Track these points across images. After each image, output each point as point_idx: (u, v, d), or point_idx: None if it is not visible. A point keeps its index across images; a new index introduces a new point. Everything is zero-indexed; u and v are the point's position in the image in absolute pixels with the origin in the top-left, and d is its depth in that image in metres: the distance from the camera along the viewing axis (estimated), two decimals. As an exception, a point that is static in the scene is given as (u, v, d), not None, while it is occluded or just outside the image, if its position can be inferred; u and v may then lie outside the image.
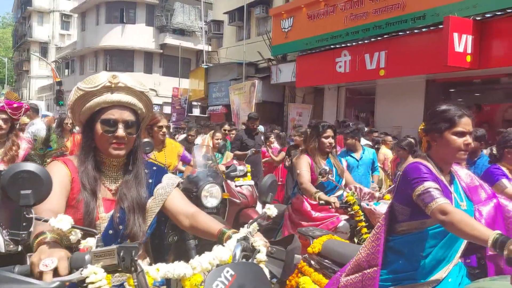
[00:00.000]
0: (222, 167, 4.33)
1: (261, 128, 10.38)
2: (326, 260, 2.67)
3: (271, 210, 1.50)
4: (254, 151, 6.45)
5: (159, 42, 28.26)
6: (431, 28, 8.89)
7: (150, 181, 1.66)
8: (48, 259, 1.06)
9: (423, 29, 9.15)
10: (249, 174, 5.29)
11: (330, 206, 3.25)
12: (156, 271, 1.19)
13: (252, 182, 5.35)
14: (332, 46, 11.52)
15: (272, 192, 1.56)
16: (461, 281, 1.97)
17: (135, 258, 1.09)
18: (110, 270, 1.10)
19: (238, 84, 15.34)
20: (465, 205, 1.97)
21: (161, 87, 27.41)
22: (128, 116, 1.54)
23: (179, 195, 1.71)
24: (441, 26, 8.10)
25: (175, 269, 1.23)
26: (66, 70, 35.46)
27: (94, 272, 1.07)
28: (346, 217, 3.44)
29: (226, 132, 8.67)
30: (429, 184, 1.81)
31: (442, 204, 1.74)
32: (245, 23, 16.96)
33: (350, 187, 3.57)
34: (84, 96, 1.51)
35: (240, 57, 16.42)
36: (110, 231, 1.54)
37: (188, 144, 6.69)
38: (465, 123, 1.91)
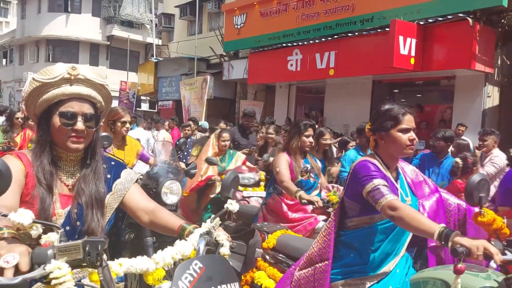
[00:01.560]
0: (182, 164, 4.23)
1: (205, 124, 10.32)
2: (281, 255, 2.71)
3: (233, 205, 1.50)
4: (249, 151, 5.96)
5: (106, 33, 27.24)
6: (379, 30, 9.27)
7: (109, 176, 1.62)
8: (9, 255, 1.01)
9: (371, 31, 9.52)
10: (262, 183, 4.84)
11: (313, 206, 3.18)
12: (119, 266, 1.16)
13: (264, 194, 4.66)
14: (284, 45, 11.69)
15: (234, 187, 1.57)
16: (407, 272, 2.10)
17: (101, 252, 1.06)
18: (74, 265, 1.07)
19: (189, 80, 15.16)
20: (410, 199, 2.08)
21: (108, 80, 25.81)
22: (87, 109, 1.49)
23: (138, 190, 1.67)
24: (387, 29, 8.46)
25: (138, 263, 1.21)
26: (4, 60, 33.26)
27: (58, 267, 1.02)
28: (324, 217, 3.43)
29: (186, 130, 8.47)
30: (378, 182, 1.90)
31: (391, 200, 1.83)
32: (197, 17, 16.77)
33: (328, 186, 3.54)
34: (41, 87, 1.44)
35: (191, 52, 16.22)
36: (67, 227, 1.48)
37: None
38: (408, 120, 2.02)
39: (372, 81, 10.80)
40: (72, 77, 1.45)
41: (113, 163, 1.68)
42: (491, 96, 8.92)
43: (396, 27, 8.08)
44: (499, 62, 8.85)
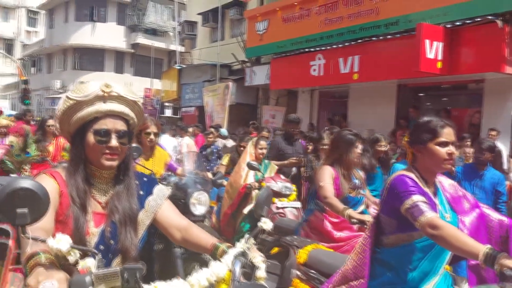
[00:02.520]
0: (209, 175, 4.20)
1: (224, 131, 10.29)
2: (312, 271, 2.63)
3: (267, 224, 1.47)
4: (297, 160, 5.53)
5: (130, 41, 27.77)
6: (404, 34, 9.10)
7: (141, 192, 1.61)
8: (48, 281, 1.01)
9: (396, 35, 9.36)
10: (294, 193, 4.68)
11: (365, 226, 2.83)
12: (155, 290, 1.14)
13: (299, 204, 4.54)
14: (306, 50, 11.62)
15: (268, 205, 1.54)
16: None
17: (140, 280, 1.05)
18: None
19: (212, 86, 15.26)
20: (450, 216, 2.00)
21: (133, 88, 26.59)
22: (120, 126, 1.50)
23: (170, 207, 1.66)
24: (413, 33, 8.30)
25: (173, 287, 1.19)
26: (33, 68, 34.28)
27: None
28: None
29: (209, 137, 8.42)
30: (417, 198, 1.84)
31: (431, 218, 1.76)
32: (219, 24, 16.89)
33: (376, 202, 3.30)
34: (75, 105, 1.46)
35: (213, 58, 16.33)
36: (101, 247, 1.47)
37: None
38: (448, 133, 1.95)
39: (397, 85, 10.62)
40: (106, 95, 1.46)
41: (145, 179, 1.68)
42: (522, 100, 8.63)
43: (422, 30, 7.92)
44: (530, 65, 8.55)
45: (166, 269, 3.08)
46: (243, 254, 1.34)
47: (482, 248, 1.60)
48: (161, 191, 1.66)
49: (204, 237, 1.54)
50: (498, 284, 1.54)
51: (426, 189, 1.99)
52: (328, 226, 3.26)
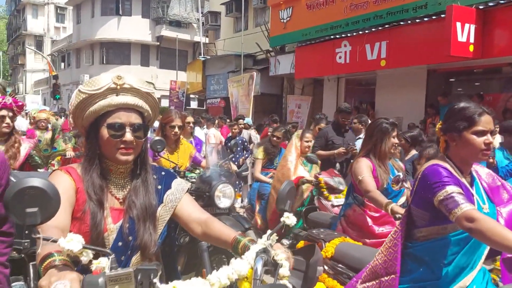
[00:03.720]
0: (234, 167, 4.12)
1: (249, 120, 10.21)
2: (340, 265, 2.55)
3: (290, 219, 1.41)
4: (346, 150, 5.16)
5: (155, 34, 28.04)
6: (433, 17, 8.77)
7: (159, 187, 1.56)
8: (60, 282, 0.98)
9: (425, 19, 9.02)
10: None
11: None
12: (172, 290, 1.10)
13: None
14: (332, 37, 11.39)
15: (291, 199, 1.47)
16: (486, 287, 1.90)
17: (154, 281, 1.01)
18: None
19: (236, 77, 15.22)
20: (487, 207, 1.88)
21: (158, 80, 27.20)
22: (135, 119, 1.45)
23: (190, 201, 1.61)
24: (443, 16, 7.98)
25: (192, 286, 1.14)
26: (62, 64, 35.18)
27: None
28: None
29: (234, 128, 8.35)
30: (451, 189, 1.73)
31: (467, 211, 1.66)
32: (242, 14, 16.79)
33: None
34: (87, 99, 1.41)
35: (237, 48, 16.26)
36: (120, 243, 1.44)
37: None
38: (486, 121, 1.82)
39: (427, 71, 10.27)
40: (118, 87, 1.41)
41: (163, 173, 1.63)
42: (562, 83, 8.20)
43: (453, 13, 7.59)
44: None
45: (193, 262, 3.08)
46: (265, 251, 1.27)
47: None
48: (180, 185, 1.61)
49: (225, 231, 1.48)
50: None
51: (462, 179, 1.87)
52: (369, 221, 3.12)
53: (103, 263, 1.08)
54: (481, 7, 7.92)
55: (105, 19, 27.79)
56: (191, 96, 22.06)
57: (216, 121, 10.60)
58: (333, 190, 4.20)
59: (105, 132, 1.43)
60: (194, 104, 22.62)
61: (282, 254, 1.29)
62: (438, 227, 1.86)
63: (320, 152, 5.35)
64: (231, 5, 18.02)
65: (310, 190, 4.48)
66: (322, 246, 2.65)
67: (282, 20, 13.14)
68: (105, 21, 27.76)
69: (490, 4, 7.89)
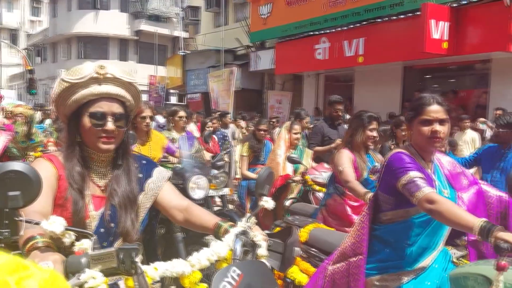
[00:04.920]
0: (207, 156, 4.12)
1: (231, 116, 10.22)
2: (313, 249, 2.68)
3: (268, 203, 1.48)
4: (341, 142, 5.11)
5: (134, 28, 27.66)
6: (409, 15, 8.98)
7: (140, 175, 1.60)
8: (43, 263, 1.02)
9: (401, 16, 9.23)
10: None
11: None
12: (154, 271, 1.16)
13: None
14: (311, 33, 11.52)
15: (269, 184, 1.54)
16: (446, 267, 2.02)
17: (136, 260, 1.06)
18: (109, 273, 1.06)
19: (216, 72, 15.20)
20: (448, 192, 2.00)
21: (137, 75, 26.70)
22: (117, 108, 1.48)
23: (171, 188, 1.66)
24: (418, 13, 8.18)
25: (173, 267, 1.20)
26: (38, 58, 34.33)
27: (92, 277, 1.02)
28: None
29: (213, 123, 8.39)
30: (414, 174, 1.83)
31: (428, 194, 1.76)
32: (222, 9, 16.74)
33: None
34: (70, 88, 1.44)
35: (217, 43, 16.23)
36: (102, 230, 1.48)
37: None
38: (433, 110, 1.90)
39: (403, 67, 10.51)
40: (101, 77, 1.43)
41: (144, 161, 1.67)
42: (531, 79, 8.51)
43: (427, 10, 7.80)
44: (538, 43, 8.41)
45: (169, 253, 3.13)
46: (244, 233, 1.34)
47: (478, 222, 1.60)
48: (161, 174, 1.65)
49: (206, 217, 1.54)
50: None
51: (424, 166, 1.98)
52: (348, 211, 3.22)
53: (86, 244, 1.13)
54: (454, 5, 8.16)
55: (82, 12, 27.25)
56: (171, 91, 21.91)
57: (194, 116, 10.59)
58: (323, 185, 4.24)
59: (87, 121, 1.45)
60: (173, 99, 22.48)
61: (260, 236, 1.36)
62: (402, 210, 1.97)
63: (318, 148, 5.30)
64: (211, 0, 17.95)
65: (301, 184, 4.52)
66: (296, 231, 2.76)
67: (262, 16, 13.19)
68: (82, 15, 27.22)
69: (463, 2, 8.13)
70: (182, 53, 18.72)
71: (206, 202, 3.85)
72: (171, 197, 1.62)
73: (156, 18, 27.15)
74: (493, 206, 2.14)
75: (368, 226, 2.03)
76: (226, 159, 6.19)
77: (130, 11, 27.52)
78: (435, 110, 1.91)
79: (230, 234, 1.34)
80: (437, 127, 1.89)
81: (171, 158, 4.10)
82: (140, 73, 26.55)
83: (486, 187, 2.20)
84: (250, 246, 1.32)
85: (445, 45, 8.09)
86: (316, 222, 2.95)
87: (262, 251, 1.34)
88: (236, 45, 15.76)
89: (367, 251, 2.00)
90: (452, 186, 2.07)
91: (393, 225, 2.01)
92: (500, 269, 1.51)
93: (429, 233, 1.96)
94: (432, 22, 7.84)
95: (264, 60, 13.72)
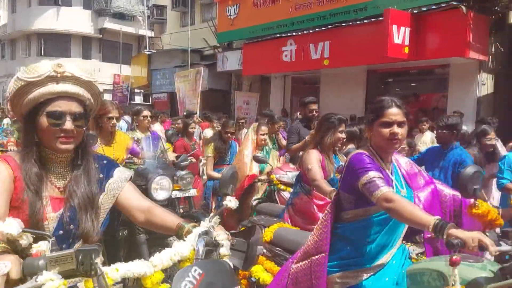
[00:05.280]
0: (172, 157, 4.07)
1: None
2: (278, 248, 2.71)
3: (232, 202, 1.49)
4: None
5: (97, 26, 26.95)
6: (372, 20, 9.22)
7: (101, 175, 1.57)
8: (1, 262, 0.99)
9: (365, 21, 9.46)
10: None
11: None
12: (115, 272, 1.14)
13: None
14: (278, 35, 11.61)
15: (233, 183, 1.55)
16: (404, 263, 2.10)
17: (95, 261, 1.04)
18: (67, 275, 1.04)
19: (183, 72, 15.06)
20: (405, 191, 2.08)
21: (101, 74, 26.12)
22: (75, 107, 1.44)
23: (132, 189, 1.63)
24: (381, 18, 8.41)
25: (135, 267, 1.19)
26: (-5, 55, 32.86)
27: (50, 279, 1.00)
28: None
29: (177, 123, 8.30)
30: (373, 174, 1.90)
31: (386, 193, 1.83)
32: (189, 8, 16.61)
33: None
34: (26, 86, 1.39)
35: (184, 43, 16.09)
36: (60, 232, 1.44)
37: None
38: (392, 113, 1.98)
39: (367, 70, 10.78)
40: (58, 75, 1.39)
41: (105, 161, 1.63)
42: (486, 84, 8.94)
43: (389, 16, 8.04)
44: (492, 50, 8.84)
45: (132, 255, 3.07)
46: (207, 232, 1.34)
47: (432, 219, 1.67)
48: (122, 174, 1.61)
49: (169, 218, 1.53)
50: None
51: (383, 166, 2.05)
52: (314, 209, 3.29)
53: (44, 246, 1.10)
54: (415, 11, 8.44)
55: (43, 9, 26.28)
56: (136, 90, 21.54)
57: (159, 116, 10.47)
58: (288, 184, 4.31)
59: (44, 120, 1.41)
60: (139, 99, 22.11)
61: (223, 235, 1.37)
62: (362, 209, 2.04)
63: (294, 146, 5.23)
64: (178, -1, 17.79)
65: (267, 184, 4.56)
66: (262, 231, 2.80)
67: (229, 17, 13.18)
68: (43, 11, 26.24)
69: (423, 9, 8.43)
70: (147, 52, 18.43)
71: (171, 204, 3.83)
72: (132, 198, 1.60)
73: (121, 16, 26.57)
74: (447, 204, 2.25)
75: (330, 224, 2.08)
76: (193, 159, 6.15)
77: (94, 8, 26.79)
78: (394, 113, 1.99)
79: (193, 234, 1.33)
80: (396, 129, 1.97)
81: (135, 160, 4.04)
82: (104, 72, 25.93)
83: (441, 186, 2.31)
84: (213, 246, 1.32)
85: (406, 50, 8.37)
86: (281, 221, 2.98)
87: (225, 250, 1.34)
88: (203, 45, 15.68)
89: (329, 249, 2.05)
90: (409, 185, 2.16)
91: (354, 223, 2.07)
92: (453, 264, 1.58)
93: (388, 231, 2.03)
94: (394, 27, 8.09)
95: (231, 61, 13.72)
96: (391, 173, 2.10)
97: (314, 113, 5.50)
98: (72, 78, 1.43)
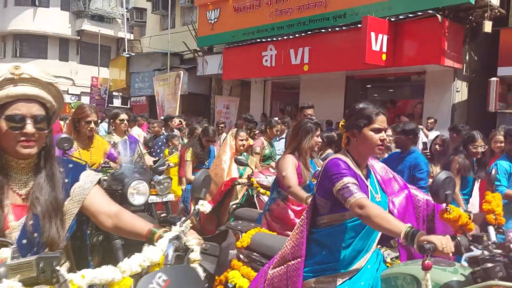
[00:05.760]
0: (150, 161, 3.99)
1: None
2: (255, 253, 2.69)
3: (205, 206, 1.47)
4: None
5: (75, 28, 26.53)
6: (351, 26, 9.35)
7: (66, 180, 1.51)
8: None
9: (344, 28, 9.59)
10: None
11: None
12: (81, 278, 1.10)
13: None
14: (258, 40, 11.66)
15: (206, 187, 1.53)
16: (378, 267, 2.11)
17: (57, 269, 1.00)
18: (28, 283, 1.00)
19: (163, 75, 14.94)
20: (380, 197, 2.10)
21: (78, 76, 25.84)
22: (36, 110, 1.39)
23: (99, 193, 1.58)
24: (360, 25, 8.54)
25: (102, 274, 1.15)
26: (-32, 55, 31.95)
27: (11, 287, 0.96)
28: None
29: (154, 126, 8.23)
30: (348, 180, 1.92)
31: (359, 199, 1.85)
32: (169, 12, 16.52)
33: None
34: None
35: (164, 46, 15.98)
36: (24, 241, 1.37)
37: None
38: (381, 120, 2.04)
39: (346, 76, 10.91)
40: (16, 77, 1.34)
41: (71, 165, 1.57)
42: (460, 91, 9.16)
43: (368, 23, 8.17)
44: (467, 58, 9.09)
45: (107, 261, 3.01)
46: (178, 237, 1.32)
47: (404, 227, 1.71)
48: (88, 177, 1.56)
49: (139, 223, 1.49)
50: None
51: (358, 172, 2.06)
52: (291, 215, 3.26)
53: (4, 253, 1.06)
54: (392, 19, 8.60)
55: (19, 9, 25.71)
56: (114, 93, 21.25)
57: (138, 119, 10.35)
58: (268, 188, 4.24)
59: (3, 124, 1.35)
60: (117, 102, 21.83)
61: (193, 240, 1.34)
62: (337, 214, 2.05)
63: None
64: (158, 2, 17.65)
65: (246, 189, 4.53)
66: (238, 236, 2.78)
67: (209, 21, 13.17)
68: (19, 12, 25.67)
69: (401, 17, 8.60)
70: (126, 55, 18.22)
71: (149, 209, 3.77)
72: (99, 202, 1.55)
73: (99, 18, 26.23)
74: (421, 209, 2.29)
75: (307, 229, 2.08)
76: (171, 164, 6.10)
77: (72, 10, 26.38)
78: (383, 120, 2.05)
79: (164, 239, 1.31)
80: (384, 135, 2.04)
81: (112, 164, 3.97)
82: (81, 74, 25.55)
83: (414, 191, 2.34)
84: (183, 251, 1.29)
85: (384, 57, 8.51)
86: (258, 226, 2.96)
87: (195, 255, 1.32)
88: (183, 48, 15.60)
89: (305, 254, 2.05)
90: (384, 190, 2.18)
91: (329, 228, 2.08)
92: (425, 268, 1.60)
93: (363, 236, 2.04)
94: (372, 34, 8.22)
95: (211, 65, 13.69)
96: (367, 179, 2.11)
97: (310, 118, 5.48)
98: (31, 80, 1.38)
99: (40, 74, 1.40)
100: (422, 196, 2.31)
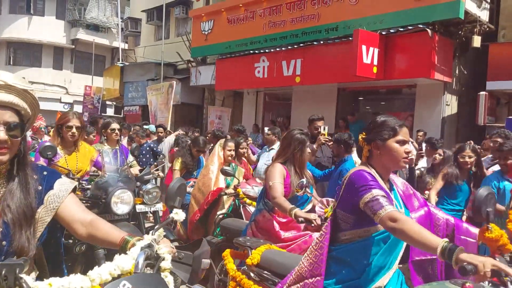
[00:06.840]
0: (136, 170, 3.95)
1: (152, 127, 10.05)
2: (266, 272, 2.58)
3: (179, 215, 1.46)
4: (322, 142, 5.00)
5: (70, 37, 26.54)
6: (343, 39, 9.44)
7: (40, 187, 1.49)
8: None
9: (336, 40, 9.68)
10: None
11: (312, 224, 2.77)
12: (48, 287, 1.09)
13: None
14: (251, 51, 11.72)
15: (181, 196, 1.52)
16: None
17: (20, 276, 0.98)
18: None
19: (156, 85, 14.96)
20: (403, 212, 2.01)
21: (72, 85, 25.78)
22: (10, 117, 1.38)
23: (74, 201, 1.56)
24: (351, 38, 8.62)
25: (70, 282, 1.14)
26: (-39, 62, 31.79)
27: None
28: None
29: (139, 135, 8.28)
30: (376, 192, 1.84)
31: (391, 212, 1.76)
32: (164, 22, 16.61)
33: (323, 200, 3.22)
34: None
35: (158, 57, 16.03)
36: None
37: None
38: (405, 132, 2.02)
39: (337, 88, 10.98)
40: None
41: (45, 172, 1.56)
42: (450, 105, 9.24)
43: (359, 36, 8.25)
44: (456, 72, 9.20)
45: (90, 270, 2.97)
46: (149, 246, 1.30)
47: (441, 242, 1.60)
48: (63, 185, 1.55)
49: (113, 232, 1.47)
50: (455, 280, 1.51)
51: (383, 185, 1.99)
52: (276, 227, 3.20)
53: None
54: (383, 33, 8.70)
55: (14, 17, 25.69)
56: (108, 102, 21.20)
57: (132, 129, 10.34)
58: (254, 199, 4.25)
59: None
60: (110, 111, 21.75)
61: (165, 248, 1.33)
62: (361, 229, 1.96)
63: None
64: (152, 13, 17.76)
65: (233, 199, 4.51)
66: (248, 253, 2.67)
67: (203, 32, 13.24)
68: (13, 20, 25.65)
69: (392, 31, 8.70)
70: (120, 64, 18.23)
71: (137, 218, 3.73)
72: (73, 211, 1.53)
73: (94, 28, 26.28)
74: (440, 228, 2.17)
75: (327, 246, 1.98)
76: (161, 173, 6.06)
77: (67, 18, 26.41)
78: (407, 131, 2.03)
79: (136, 247, 1.29)
80: (409, 147, 1.99)
81: (100, 173, 3.94)
82: (75, 83, 25.49)
83: (434, 209, 2.24)
84: (154, 259, 1.28)
85: (375, 69, 8.58)
86: (268, 243, 2.84)
87: (166, 264, 1.30)
88: (176, 59, 15.65)
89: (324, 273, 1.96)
90: (406, 206, 2.10)
91: (351, 244, 1.98)
92: None
93: (385, 252, 1.96)
94: (364, 47, 8.29)
95: (204, 76, 13.73)
96: (390, 192, 2.04)
97: (320, 130, 5.40)
98: (5, 87, 1.37)
99: (15, 81, 1.39)
100: (441, 215, 2.21)
